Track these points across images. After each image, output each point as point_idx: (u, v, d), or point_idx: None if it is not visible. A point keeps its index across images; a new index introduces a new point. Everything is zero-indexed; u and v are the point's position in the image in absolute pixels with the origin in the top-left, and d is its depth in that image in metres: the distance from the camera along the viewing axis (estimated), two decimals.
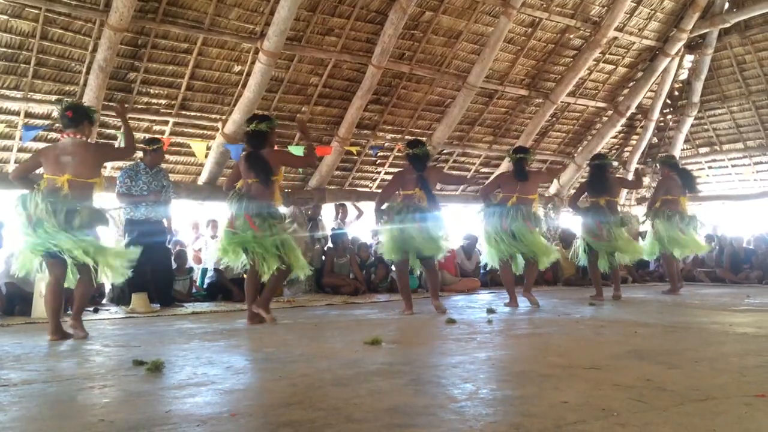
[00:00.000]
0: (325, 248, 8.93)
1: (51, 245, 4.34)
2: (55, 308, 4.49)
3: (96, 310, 6.42)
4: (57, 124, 7.67)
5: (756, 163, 12.54)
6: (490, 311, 5.95)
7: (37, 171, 4.78)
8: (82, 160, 4.55)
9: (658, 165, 8.80)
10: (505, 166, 11.30)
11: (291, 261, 5.26)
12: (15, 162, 7.76)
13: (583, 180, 7.97)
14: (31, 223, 4.35)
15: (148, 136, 7.80)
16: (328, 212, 9.99)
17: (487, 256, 6.84)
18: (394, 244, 6.02)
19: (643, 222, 8.26)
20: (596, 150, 12.01)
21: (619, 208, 7.86)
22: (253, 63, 8.20)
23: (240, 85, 8.44)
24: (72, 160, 4.51)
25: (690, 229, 7.99)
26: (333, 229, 9.47)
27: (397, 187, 6.34)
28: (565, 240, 10.00)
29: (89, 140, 4.89)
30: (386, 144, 10.31)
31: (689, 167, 11.10)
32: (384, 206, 6.37)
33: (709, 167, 13.16)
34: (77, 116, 4.65)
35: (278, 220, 5.28)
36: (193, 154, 8.70)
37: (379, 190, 10.65)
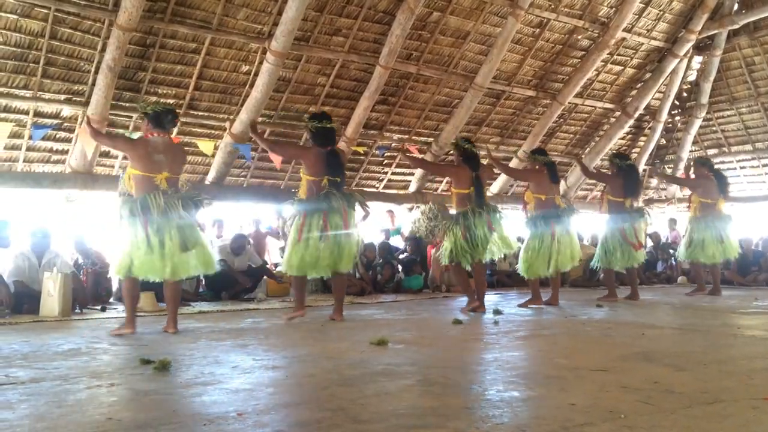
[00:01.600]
0: None
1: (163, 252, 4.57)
2: (135, 298, 4.85)
3: (103, 309, 6.45)
4: (66, 123, 7.74)
5: (765, 165, 12.47)
6: (497, 312, 5.94)
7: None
8: (174, 158, 4.87)
9: (694, 165, 8.72)
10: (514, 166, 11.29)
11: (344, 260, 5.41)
12: (24, 161, 7.79)
13: (608, 173, 7.84)
14: (152, 225, 4.54)
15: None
16: None
17: (525, 266, 6.79)
18: (464, 249, 6.09)
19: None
20: (604, 151, 11.99)
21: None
22: (260, 63, 8.21)
23: (247, 85, 8.45)
24: (165, 159, 4.78)
25: (727, 233, 7.99)
26: None
27: (449, 177, 6.39)
28: None
29: None
30: (393, 144, 10.31)
31: None
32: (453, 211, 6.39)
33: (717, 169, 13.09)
34: (176, 122, 5.09)
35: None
36: (200, 154, 8.72)
37: (386, 191, 10.77)
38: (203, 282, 8.14)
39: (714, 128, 12.86)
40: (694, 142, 13.09)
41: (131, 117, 8.06)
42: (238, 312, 6.43)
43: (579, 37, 10.46)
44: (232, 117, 8.61)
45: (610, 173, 7.83)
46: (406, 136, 10.30)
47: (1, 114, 7.33)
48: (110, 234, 5.25)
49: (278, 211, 9.17)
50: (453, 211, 6.44)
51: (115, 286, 7.51)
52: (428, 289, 9.22)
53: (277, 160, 8.59)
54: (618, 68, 11.49)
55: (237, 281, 7.76)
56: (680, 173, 12.35)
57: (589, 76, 11.05)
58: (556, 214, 6.69)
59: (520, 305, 6.68)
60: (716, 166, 8.79)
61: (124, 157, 8.21)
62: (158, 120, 4.86)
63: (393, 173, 10.74)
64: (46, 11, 6.94)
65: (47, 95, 7.48)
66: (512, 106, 11.06)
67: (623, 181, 7.41)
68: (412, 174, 10.87)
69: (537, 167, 6.94)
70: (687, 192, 9.84)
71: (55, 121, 7.68)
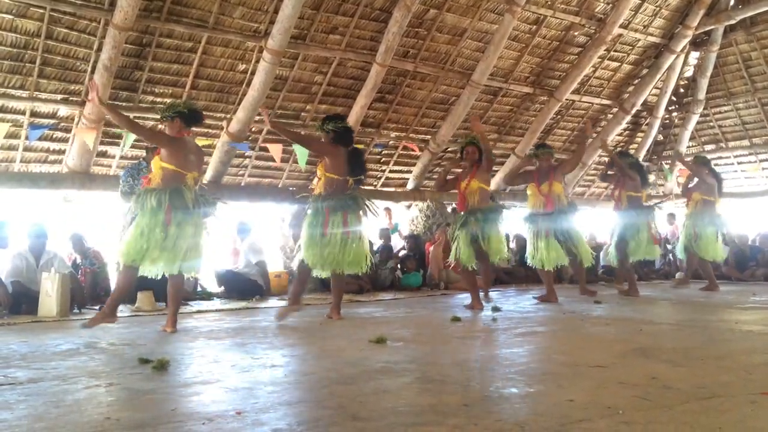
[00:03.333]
0: None
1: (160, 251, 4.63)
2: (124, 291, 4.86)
3: (102, 309, 6.43)
4: (62, 123, 7.73)
5: (762, 161, 12.49)
6: (495, 309, 5.95)
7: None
8: (199, 160, 5.09)
9: (693, 163, 8.74)
10: (510, 165, 11.31)
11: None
12: (21, 161, 7.78)
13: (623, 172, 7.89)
14: (175, 217, 4.64)
15: None
16: None
17: (538, 260, 6.90)
18: (468, 251, 6.14)
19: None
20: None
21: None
22: (257, 62, 8.20)
23: (244, 84, 8.44)
24: (195, 159, 4.98)
25: (718, 233, 8.10)
26: None
27: (458, 181, 6.49)
28: None
29: None
30: (390, 142, 10.30)
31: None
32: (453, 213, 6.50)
33: (715, 165, 13.09)
34: (203, 119, 5.21)
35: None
36: None
37: (384, 188, 10.76)
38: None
39: (711, 124, 12.88)
40: (692, 138, 13.11)
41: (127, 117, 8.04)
42: (236, 311, 6.43)
43: (576, 33, 10.46)
44: (229, 116, 8.60)
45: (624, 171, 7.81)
46: (404, 134, 10.30)
47: None
48: (119, 227, 5.32)
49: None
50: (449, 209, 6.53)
51: (113, 286, 7.52)
52: (427, 286, 9.23)
53: (277, 155, 8.61)
54: (615, 64, 11.49)
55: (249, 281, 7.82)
56: (678, 169, 12.39)
57: (586, 73, 11.06)
58: (573, 209, 6.97)
59: (542, 299, 6.84)
60: (712, 165, 8.82)
61: (122, 157, 8.23)
62: (194, 119, 4.97)
63: (390, 171, 10.74)
64: (41, 11, 6.92)
65: (44, 95, 7.47)
66: (509, 103, 11.06)
67: (639, 177, 7.69)
68: (410, 171, 10.87)
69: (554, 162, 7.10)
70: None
71: (52, 122, 7.68)
